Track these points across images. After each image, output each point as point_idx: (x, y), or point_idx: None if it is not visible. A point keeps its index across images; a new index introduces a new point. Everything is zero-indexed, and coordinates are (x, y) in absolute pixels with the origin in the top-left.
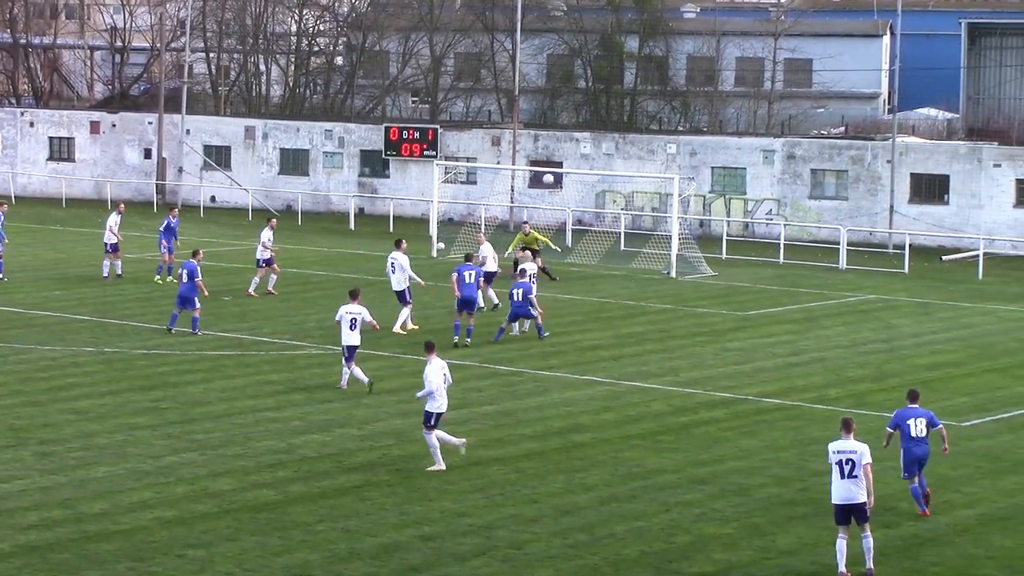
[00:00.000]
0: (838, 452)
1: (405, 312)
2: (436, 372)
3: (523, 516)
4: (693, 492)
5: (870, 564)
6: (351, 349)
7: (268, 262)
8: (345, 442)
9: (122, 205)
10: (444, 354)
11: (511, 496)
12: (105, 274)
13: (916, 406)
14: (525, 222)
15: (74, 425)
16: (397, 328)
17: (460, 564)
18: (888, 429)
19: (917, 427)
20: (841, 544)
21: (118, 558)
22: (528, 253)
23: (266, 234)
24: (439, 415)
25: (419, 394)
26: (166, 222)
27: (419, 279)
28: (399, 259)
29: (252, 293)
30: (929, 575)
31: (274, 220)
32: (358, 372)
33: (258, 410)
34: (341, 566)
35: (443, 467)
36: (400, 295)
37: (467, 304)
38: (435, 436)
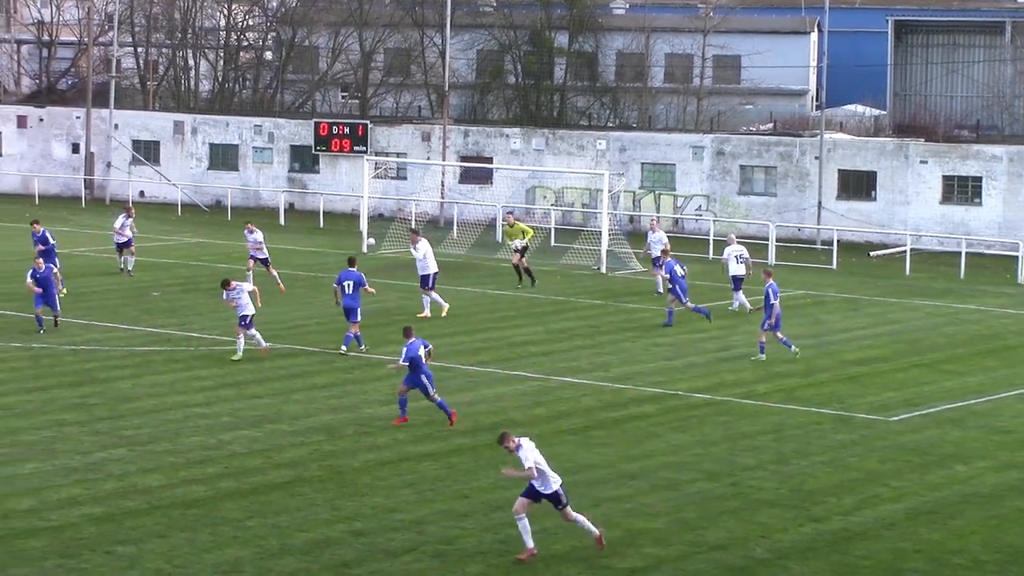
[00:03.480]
0: None
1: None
2: None
3: (454, 511)
4: (624, 487)
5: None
6: (350, 311)
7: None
8: (275, 438)
9: (131, 207)
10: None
11: (442, 491)
12: (122, 267)
13: (414, 340)
14: (509, 212)
15: (1, 421)
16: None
17: (391, 560)
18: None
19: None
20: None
21: (46, 555)
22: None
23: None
24: None
25: None
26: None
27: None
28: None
29: (281, 287)
30: (859, 569)
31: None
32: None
33: (187, 406)
34: (272, 562)
35: None
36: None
37: (348, 313)
38: None
